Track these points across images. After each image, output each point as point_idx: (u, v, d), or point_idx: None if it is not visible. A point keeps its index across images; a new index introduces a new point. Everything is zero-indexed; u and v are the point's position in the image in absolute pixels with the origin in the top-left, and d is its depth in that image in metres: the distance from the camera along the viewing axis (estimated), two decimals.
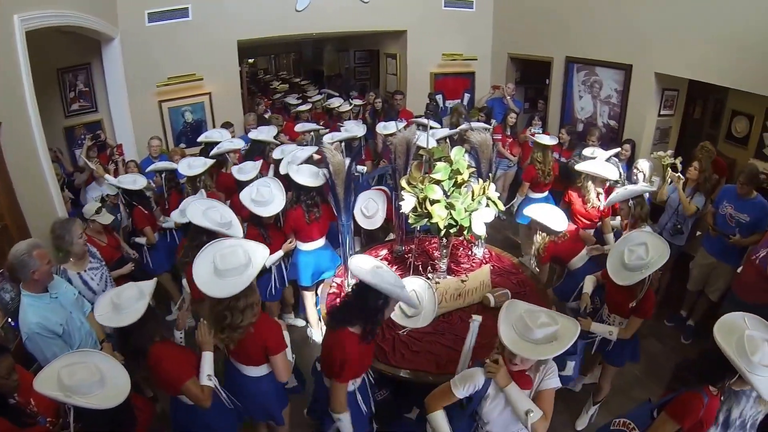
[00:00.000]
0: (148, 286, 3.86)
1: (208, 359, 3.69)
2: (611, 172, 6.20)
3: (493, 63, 11.40)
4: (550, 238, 5.44)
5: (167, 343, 3.82)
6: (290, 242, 5.63)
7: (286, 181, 5.69)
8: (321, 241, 5.85)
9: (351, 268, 3.67)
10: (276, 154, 6.75)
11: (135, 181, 6.30)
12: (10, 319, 4.35)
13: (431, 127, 6.65)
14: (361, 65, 14.37)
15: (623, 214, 5.71)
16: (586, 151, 6.96)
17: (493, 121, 9.00)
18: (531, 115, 9.98)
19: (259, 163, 6.38)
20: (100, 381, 3.07)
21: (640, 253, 4.20)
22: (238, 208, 5.42)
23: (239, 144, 7.54)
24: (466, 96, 11.23)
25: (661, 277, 6.85)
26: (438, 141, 6.63)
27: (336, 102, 10.68)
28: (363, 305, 3.46)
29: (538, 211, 5.51)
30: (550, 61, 9.86)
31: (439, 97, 11.02)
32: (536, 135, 7.73)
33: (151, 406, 4.26)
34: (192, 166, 6.33)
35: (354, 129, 8.04)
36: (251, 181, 5.72)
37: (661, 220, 6.72)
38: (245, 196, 5.31)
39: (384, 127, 8.16)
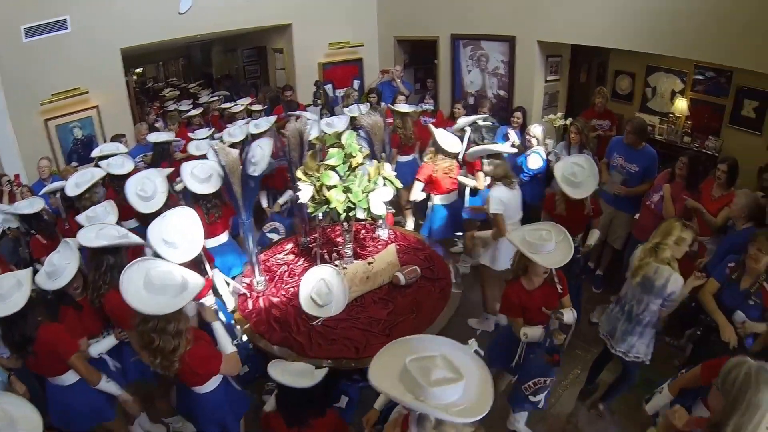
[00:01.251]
0: (25, 274, 3.77)
1: (219, 330, 3.76)
2: (452, 144, 6.22)
3: (380, 48, 11.39)
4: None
5: (53, 324, 3.80)
6: None
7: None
8: (224, 236, 5.70)
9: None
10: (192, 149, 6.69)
11: (32, 204, 5.67)
12: None
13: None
14: (249, 63, 14.14)
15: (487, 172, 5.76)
16: (460, 121, 7.07)
17: (383, 104, 8.98)
18: (422, 94, 10.10)
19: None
20: (9, 425, 2.82)
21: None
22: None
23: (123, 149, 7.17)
24: (356, 83, 11.16)
25: None
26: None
27: (230, 103, 10.26)
28: None
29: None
30: (436, 40, 9.96)
31: (329, 87, 10.91)
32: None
33: None
34: (79, 184, 5.83)
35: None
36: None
37: (553, 184, 6.88)
38: (130, 191, 5.19)
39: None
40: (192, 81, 15.35)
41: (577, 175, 5.01)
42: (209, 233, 5.48)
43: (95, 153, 7.14)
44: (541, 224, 4.33)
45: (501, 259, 5.62)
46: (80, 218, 5.11)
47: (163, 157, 7.25)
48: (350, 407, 4.72)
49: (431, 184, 6.19)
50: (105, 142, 8.78)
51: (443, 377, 2.37)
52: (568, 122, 7.38)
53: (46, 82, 8.36)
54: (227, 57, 15.79)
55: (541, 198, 6.98)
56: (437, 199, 6.31)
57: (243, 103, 9.89)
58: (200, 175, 5.29)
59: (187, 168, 5.39)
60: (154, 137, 7.65)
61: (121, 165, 6.08)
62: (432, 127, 6.51)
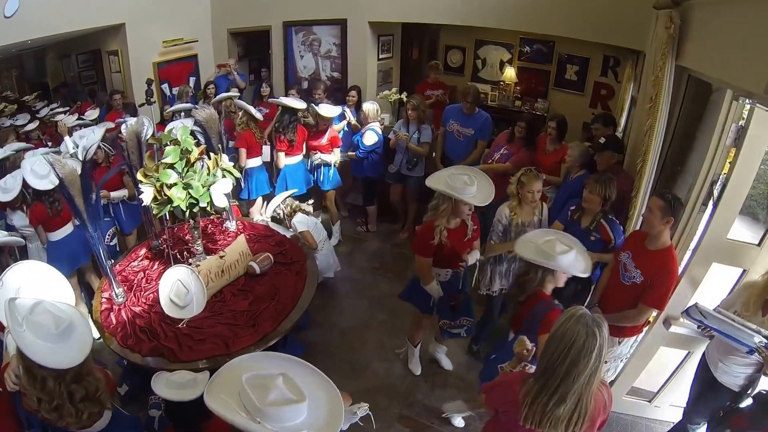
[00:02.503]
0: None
1: None
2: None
3: (214, 42, 11.30)
4: None
5: None
6: None
7: None
8: (69, 227, 5.77)
9: None
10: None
11: None
12: None
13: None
14: (85, 69, 13.63)
15: None
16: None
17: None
18: (257, 84, 10.20)
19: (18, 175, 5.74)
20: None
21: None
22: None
23: None
24: (192, 79, 11.05)
25: (409, 206, 7.73)
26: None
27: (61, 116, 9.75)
28: None
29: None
30: (269, 29, 10.06)
31: (165, 87, 10.77)
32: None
33: None
34: None
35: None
36: None
37: (396, 159, 7.35)
38: None
39: None
40: (28, 92, 14.61)
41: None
42: (54, 226, 5.75)
43: None
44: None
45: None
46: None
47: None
48: None
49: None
50: None
51: (282, 398, 2.24)
52: (403, 96, 7.75)
53: None
54: (62, 63, 15.04)
55: (382, 172, 7.55)
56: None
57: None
58: (40, 171, 5.39)
59: (26, 165, 5.49)
60: None
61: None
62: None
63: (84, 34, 10.73)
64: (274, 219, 6.37)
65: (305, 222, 6.20)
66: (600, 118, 6.41)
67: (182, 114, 7.40)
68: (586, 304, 4.73)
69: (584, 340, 2.41)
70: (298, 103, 7.19)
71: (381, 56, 9.22)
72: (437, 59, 10.24)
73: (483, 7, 7.26)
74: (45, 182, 5.32)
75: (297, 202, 6.37)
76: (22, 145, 7.13)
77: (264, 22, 10.06)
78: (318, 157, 7.42)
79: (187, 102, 8.51)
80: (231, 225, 6.01)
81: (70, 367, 2.74)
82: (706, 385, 4.06)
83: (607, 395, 2.72)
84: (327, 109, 7.25)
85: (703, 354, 4.17)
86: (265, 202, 7.17)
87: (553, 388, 2.52)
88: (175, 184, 4.56)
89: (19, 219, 5.63)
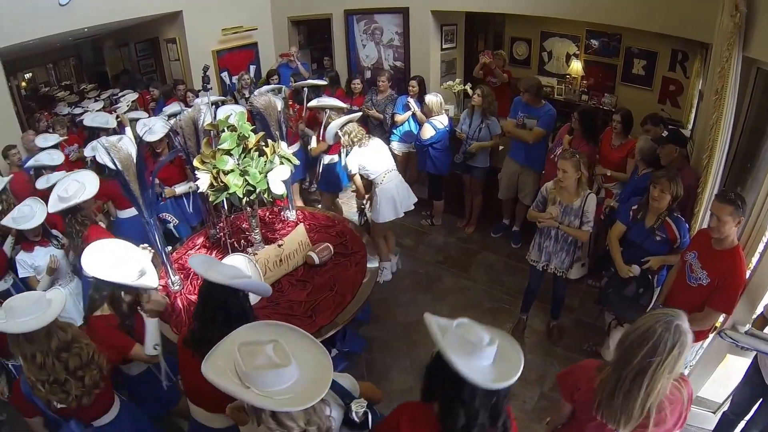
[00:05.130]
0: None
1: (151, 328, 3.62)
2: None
3: (274, 30, 11.21)
4: None
5: None
6: None
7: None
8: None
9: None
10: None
11: None
12: None
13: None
14: (144, 57, 13.68)
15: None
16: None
17: (284, 86, 8.85)
18: (320, 73, 9.98)
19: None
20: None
21: None
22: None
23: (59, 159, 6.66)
24: (252, 68, 10.99)
25: (474, 198, 7.49)
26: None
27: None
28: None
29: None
30: (330, 17, 9.89)
31: (224, 75, 10.73)
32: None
33: None
34: None
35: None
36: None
37: (461, 150, 7.12)
38: (53, 197, 4.93)
39: None
40: (86, 81, 14.75)
41: None
42: (124, 204, 6.10)
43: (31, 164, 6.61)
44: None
45: (381, 212, 6.17)
46: (7, 222, 4.98)
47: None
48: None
49: None
50: None
51: (267, 363, 2.24)
52: (467, 87, 7.51)
53: None
54: (120, 52, 15.23)
55: (444, 168, 7.37)
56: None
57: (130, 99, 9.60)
58: None
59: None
60: (42, 141, 7.24)
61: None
62: None
63: (141, 23, 10.75)
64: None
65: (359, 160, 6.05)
66: (648, 119, 6.19)
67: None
68: (650, 308, 4.56)
69: (660, 333, 2.37)
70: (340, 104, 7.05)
71: (444, 46, 8.96)
72: (502, 51, 9.94)
73: None
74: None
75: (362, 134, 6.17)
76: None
77: (325, 10, 9.91)
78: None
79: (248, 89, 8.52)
80: (290, 214, 5.88)
81: (32, 330, 2.95)
82: (758, 389, 3.92)
83: (687, 393, 2.63)
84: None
85: (755, 357, 3.96)
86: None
87: (628, 379, 2.47)
88: (232, 170, 4.48)
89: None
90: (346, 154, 6.17)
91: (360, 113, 7.09)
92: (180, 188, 6.58)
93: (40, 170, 6.47)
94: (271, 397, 2.17)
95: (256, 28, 10.97)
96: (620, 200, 5.72)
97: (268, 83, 8.87)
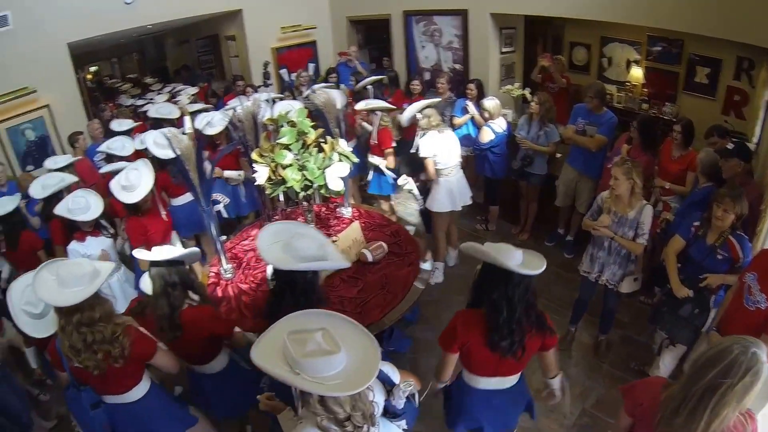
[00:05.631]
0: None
1: None
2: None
3: (333, 29, 11.31)
4: None
5: None
6: None
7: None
8: (189, 195, 5.99)
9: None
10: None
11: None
12: None
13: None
14: (204, 53, 13.95)
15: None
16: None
17: (343, 85, 8.88)
18: (379, 73, 10.00)
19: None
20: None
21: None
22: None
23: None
24: (311, 66, 11.10)
25: (529, 205, 7.36)
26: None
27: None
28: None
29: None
30: (389, 18, 9.90)
31: (283, 72, 10.87)
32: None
33: None
34: (46, 186, 5.79)
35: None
36: None
37: (519, 155, 7.04)
38: (115, 185, 5.13)
39: None
40: (148, 75, 15.12)
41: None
42: (176, 192, 6.42)
43: (48, 164, 6.68)
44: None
45: (438, 201, 6.23)
46: (61, 211, 5.14)
47: None
48: None
49: None
50: (60, 142, 8.63)
51: (317, 350, 2.29)
52: (526, 92, 7.43)
53: None
54: (181, 48, 15.55)
55: (501, 173, 7.26)
56: None
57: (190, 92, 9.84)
58: (162, 142, 5.83)
59: (149, 137, 6.16)
60: (116, 125, 7.63)
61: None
62: None
63: (202, 20, 11.05)
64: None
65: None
66: (714, 130, 5.89)
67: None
68: (704, 329, 4.35)
69: (736, 355, 2.26)
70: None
71: (503, 50, 8.87)
72: (562, 55, 9.82)
73: (609, 1, 6.81)
74: (169, 151, 5.31)
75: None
76: None
77: (383, 10, 9.93)
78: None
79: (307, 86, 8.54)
80: (346, 211, 5.86)
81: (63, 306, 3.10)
82: None
83: (751, 430, 2.48)
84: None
85: None
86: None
87: (695, 397, 2.35)
88: (290, 165, 4.52)
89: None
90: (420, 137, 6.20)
91: (439, 99, 7.18)
92: (228, 173, 6.75)
93: (109, 157, 6.72)
94: (321, 383, 2.23)
95: (315, 27, 11.11)
96: (678, 214, 5.53)
97: (327, 81, 8.94)
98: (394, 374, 2.90)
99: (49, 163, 6.70)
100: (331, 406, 2.31)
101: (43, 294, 3.13)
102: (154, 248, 3.73)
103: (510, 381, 3.47)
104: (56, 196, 5.60)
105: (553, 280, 6.62)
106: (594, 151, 6.40)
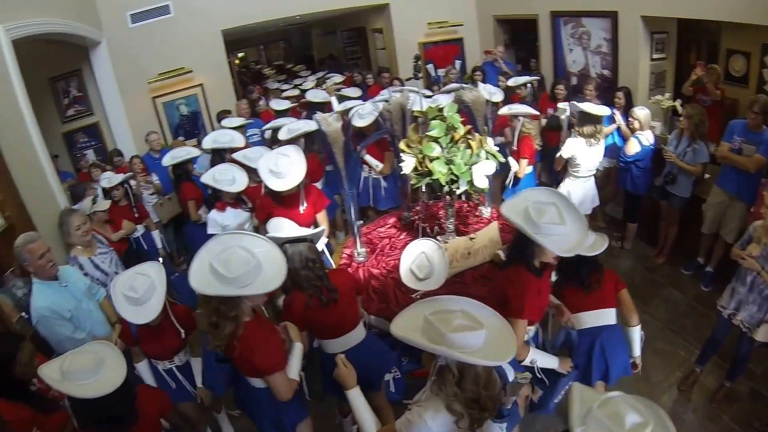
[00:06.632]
0: (158, 273, 3.93)
1: (296, 353, 3.55)
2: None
3: (479, 27, 11.31)
4: None
5: None
6: None
7: None
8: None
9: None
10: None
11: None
12: (24, 313, 4.49)
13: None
14: (349, 45, 14.33)
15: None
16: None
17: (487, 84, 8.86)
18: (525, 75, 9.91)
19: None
20: (94, 369, 3.05)
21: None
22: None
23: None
24: (457, 63, 11.14)
25: (669, 228, 6.91)
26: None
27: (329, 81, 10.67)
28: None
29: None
30: (536, 18, 9.72)
31: (430, 67, 10.98)
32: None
33: (165, 400, 3.90)
34: (217, 140, 6.88)
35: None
36: None
37: (663, 172, 6.66)
38: (263, 166, 5.03)
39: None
40: (293, 63, 15.74)
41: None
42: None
43: (207, 144, 7.17)
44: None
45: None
46: (207, 180, 5.71)
47: None
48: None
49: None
50: (209, 118, 9.68)
51: (463, 325, 2.44)
52: (677, 104, 7.09)
53: (152, 62, 9.09)
54: (327, 39, 16.01)
55: (644, 188, 6.92)
56: None
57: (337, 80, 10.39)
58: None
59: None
60: (275, 104, 8.62)
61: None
62: None
63: (349, 12, 11.39)
64: None
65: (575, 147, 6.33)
66: None
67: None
68: None
69: None
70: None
71: (654, 56, 8.42)
72: (717, 64, 9.29)
73: None
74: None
75: None
76: None
77: (531, 10, 9.77)
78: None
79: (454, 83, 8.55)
80: (486, 211, 5.87)
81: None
82: None
83: None
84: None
85: None
86: None
87: None
88: (438, 158, 4.57)
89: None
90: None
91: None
92: (369, 158, 6.90)
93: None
94: (469, 354, 2.37)
95: (462, 24, 11.18)
96: None
97: (473, 79, 9.02)
98: (509, 371, 2.99)
99: (226, 122, 7.88)
100: (468, 384, 2.44)
101: (193, 276, 3.08)
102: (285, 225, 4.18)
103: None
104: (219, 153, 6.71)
105: (685, 313, 6.17)
106: (751, 173, 5.79)
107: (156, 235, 6.86)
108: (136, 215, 6.59)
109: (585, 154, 6.05)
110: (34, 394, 3.41)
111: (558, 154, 6.46)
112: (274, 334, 3.51)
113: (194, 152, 7.13)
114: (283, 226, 4.60)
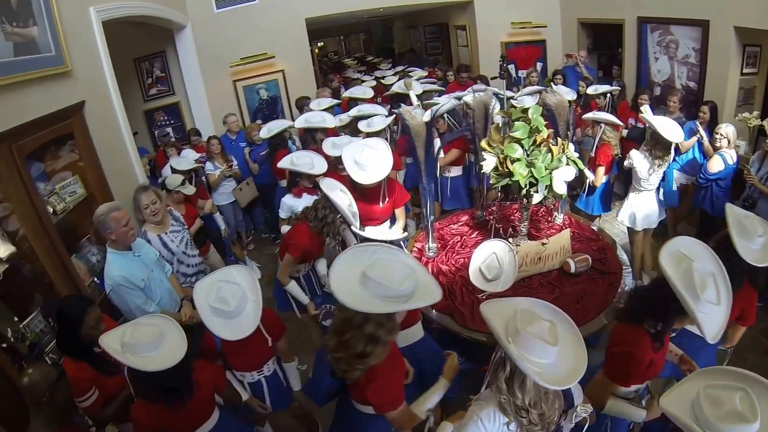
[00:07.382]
0: (247, 278, 3.69)
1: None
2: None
3: (563, 30, 11.19)
4: None
5: None
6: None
7: None
8: None
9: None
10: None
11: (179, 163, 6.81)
12: (96, 278, 4.76)
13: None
14: (431, 40, 14.39)
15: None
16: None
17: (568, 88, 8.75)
18: (606, 82, 9.71)
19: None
20: (154, 343, 3.03)
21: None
22: None
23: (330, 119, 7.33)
24: (539, 65, 11.08)
25: None
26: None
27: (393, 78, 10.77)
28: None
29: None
30: (622, 23, 9.52)
31: (511, 67, 10.92)
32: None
33: (221, 376, 3.77)
34: (270, 129, 7.30)
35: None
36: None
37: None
38: (348, 156, 4.99)
39: None
40: (373, 55, 15.89)
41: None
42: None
43: (299, 123, 7.31)
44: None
45: (620, 210, 6.29)
46: (284, 163, 5.88)
47: None
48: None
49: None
50: (289, 103, 10.02)
51: (538, 332, 2.39)
52: (765, 123, 6.82)
53: (235, 46, 9.45)
54: (408, 33, 16.10)
55: (721, 208, 6.57)
56: None
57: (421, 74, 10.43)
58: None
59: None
60: (359, 91, 8.80)
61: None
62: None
63: (433, 8, 11.44)
64: None
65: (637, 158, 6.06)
66: None
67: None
68: None
69: None
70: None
71: (744, 70, 8.06)
72: None
73: None
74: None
75: None
76: None
77: (616, 14, 9.57)
78: None
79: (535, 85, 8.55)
80: (558, 218, 5.87)
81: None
82: None
83: None
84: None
85: None
86: None
87: None
88: (519, 159, 4.57)
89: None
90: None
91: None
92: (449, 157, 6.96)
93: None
94: (526, 360, 2.34)
95: (545, 26, 11.12)
96: None
97: (553, 82, 8.95)
98: (578, 395, 2.82)
99: (314, 104, 8.15)
100: (515, 388, 2.44)
101: (336, 282, 2.77)
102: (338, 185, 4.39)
103: None
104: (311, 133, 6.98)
105: (749, 346, 5.67)
106: None
107: (218, 217, 7.10)
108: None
109: (645, 166, 5.87)
110: (98, 356, 3.54)
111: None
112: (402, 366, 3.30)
113: (288, 122, 7.51)
114: (337, 185, 4.79)
